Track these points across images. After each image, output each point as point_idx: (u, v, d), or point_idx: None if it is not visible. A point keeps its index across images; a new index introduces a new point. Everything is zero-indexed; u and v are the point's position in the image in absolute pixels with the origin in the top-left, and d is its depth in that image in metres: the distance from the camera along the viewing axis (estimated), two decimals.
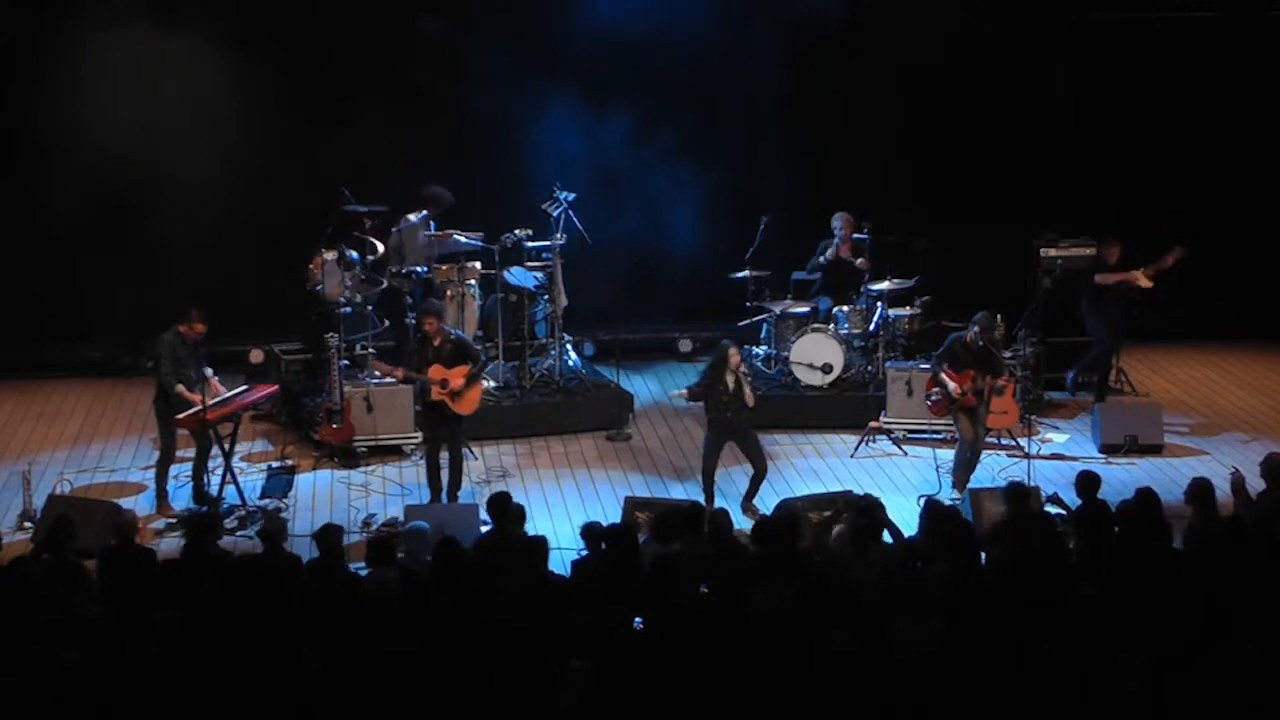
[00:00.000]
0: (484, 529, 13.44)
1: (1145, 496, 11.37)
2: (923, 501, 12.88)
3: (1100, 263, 16.88)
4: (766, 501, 14.05)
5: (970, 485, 14.15)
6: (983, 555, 10.92)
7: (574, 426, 16.38)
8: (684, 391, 14.46)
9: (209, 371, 14.24)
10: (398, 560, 10.83)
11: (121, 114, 17.88)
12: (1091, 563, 10.63)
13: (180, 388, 13.94)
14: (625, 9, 17.66)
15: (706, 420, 14.24)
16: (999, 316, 15.25)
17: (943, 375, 14.46)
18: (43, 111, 17.96)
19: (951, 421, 14.78)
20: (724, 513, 11.69)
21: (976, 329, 14.50)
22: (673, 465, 15.53)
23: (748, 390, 14.03)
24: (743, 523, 13.01)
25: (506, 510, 11.61)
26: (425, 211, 16.60)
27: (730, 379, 13.98)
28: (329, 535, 10.85)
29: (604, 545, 10.87)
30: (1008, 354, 15.49)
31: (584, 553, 11.27)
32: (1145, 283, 16.68)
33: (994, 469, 15.07)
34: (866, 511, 11.37)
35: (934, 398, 14.70)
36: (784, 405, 16.45)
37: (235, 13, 17.97)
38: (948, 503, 13.43)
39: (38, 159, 17.96)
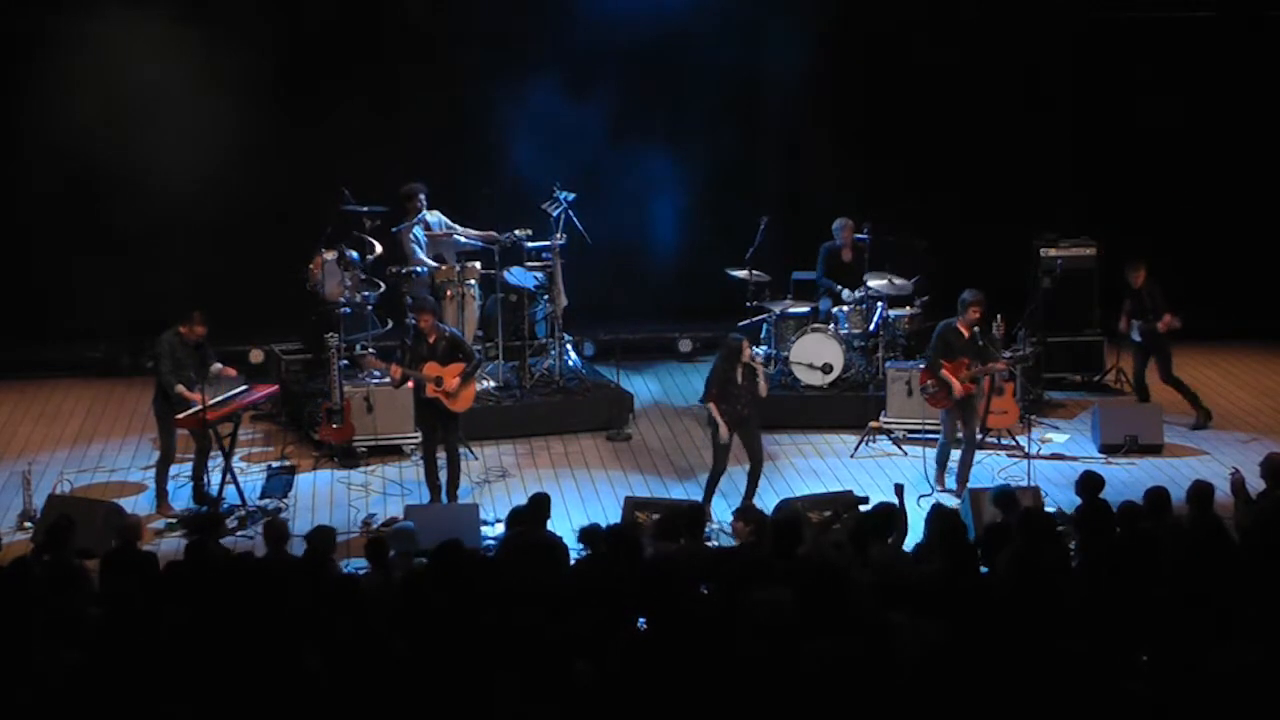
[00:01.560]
0: (485, 528, 13.51)
1: (1156, 496, 11.33)
2: (926, 504, 12.88)
3: (1125, 283, 16.60)
4: (766, 501, 14.05)
5: (970, 485, 14.15)
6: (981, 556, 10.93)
7: (574, 426, 16.38)
8: (712, 409, 13.96)
9: (218, 366, 14.24)
10: (386, 560, 10.82)
11: (120, 114, 17.88)
12: (1092, 563, 10.63)
13: (180, 388, 13.95)
14: (628, 8, 17.67)
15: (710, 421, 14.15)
16: (999, 316, 15.25)
17: (944, 375, 14.45)
18: (40, 112, 17.95)
19: (941, 413, 14.72)
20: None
21: (971, 307, 14.46)
22: (673, 465, 15.52)
23: (762, 382, 14.00)
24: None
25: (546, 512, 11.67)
26: (422, 213, 16.57)
27: (740, 372, 13.95)
28: (317, 536, 10.88)
29: (603, 547, 10.86)
30: (1007, 354, 15.46)
31: (582, 554, 11.26)
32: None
33: (994, 469, 15.07)
34: (875, 513, 11.35)
35: (930, 390, 14.67)
36: (784, 405, 16.45)
37: (234, 12, 17.97)
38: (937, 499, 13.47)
39: (36, 159, 17.96)
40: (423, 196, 16.46)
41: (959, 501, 13.78)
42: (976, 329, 14.55)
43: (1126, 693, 8.54)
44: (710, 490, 14.05)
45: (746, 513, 11.79)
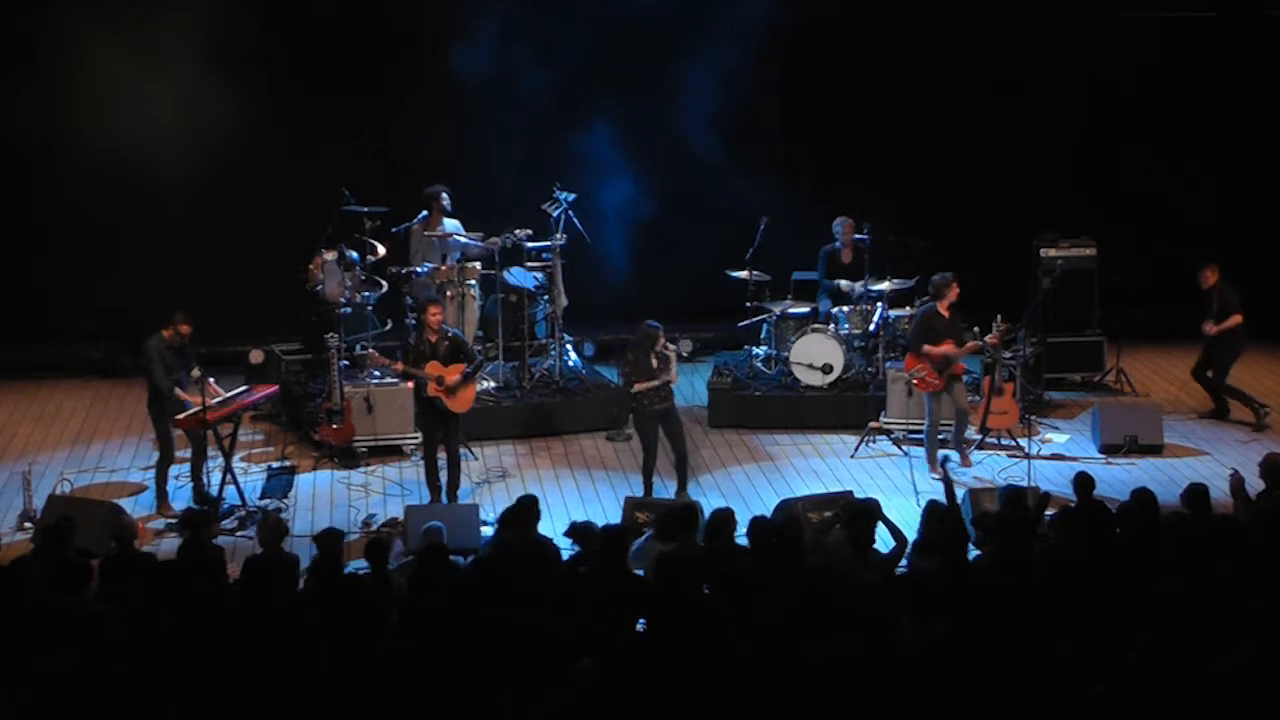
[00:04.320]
0: (485, 528, 13.49)
1: (1142, 498, 11.35)
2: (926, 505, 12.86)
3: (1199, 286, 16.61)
4: (766, 501, 14.06)
5: (970, 485, 14.17)
6: (980, 554, 10.94)
7: (574, 426, 16.39)
8: (636, 387, 14.30)
9: (196, 373, 14.20)
10: (387, 561, 10.80)
11: (119, 114, 17.85)
12: (1090, 562, 10.62)
13: (177, 391, 13.96)
14: (630, 10, 17.67)
15: (632, 410, 14.32)
16: (999, 316, 15.25)
17: (929, 351, 14.52)
18: (40, 112, 17.94)
19: (925, 396, 14.86)
20: (729, 511, 11.56)
21: (951, 288, 14.60)
22: (672, 465, 15.49)
23: (674, 367, 14.15)
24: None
25: (533, 515, 11.59)
26: (425, 212, 16.58)
27: (654, 360, 14.05)
28: (328, 539, 10.87)
29: (594, 545, 10.82)
30: (1007, 354, 15.48)
31: (573, 552, 11.21)
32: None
33: (994, 469, 15.08)
34: (863, 514, 11.32)
35: (920, 374, 14.72)
36: (784, 405, 16.47)
37: (231, 9, 17.94)
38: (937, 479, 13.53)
39: (36, 160, 17.96)
40: (445, 197, 16.49)
41: (937, 479, 13.84)
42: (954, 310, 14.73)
43: (1121, 692, 8.54)
44: (649, 481, 14.33)
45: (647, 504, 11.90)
